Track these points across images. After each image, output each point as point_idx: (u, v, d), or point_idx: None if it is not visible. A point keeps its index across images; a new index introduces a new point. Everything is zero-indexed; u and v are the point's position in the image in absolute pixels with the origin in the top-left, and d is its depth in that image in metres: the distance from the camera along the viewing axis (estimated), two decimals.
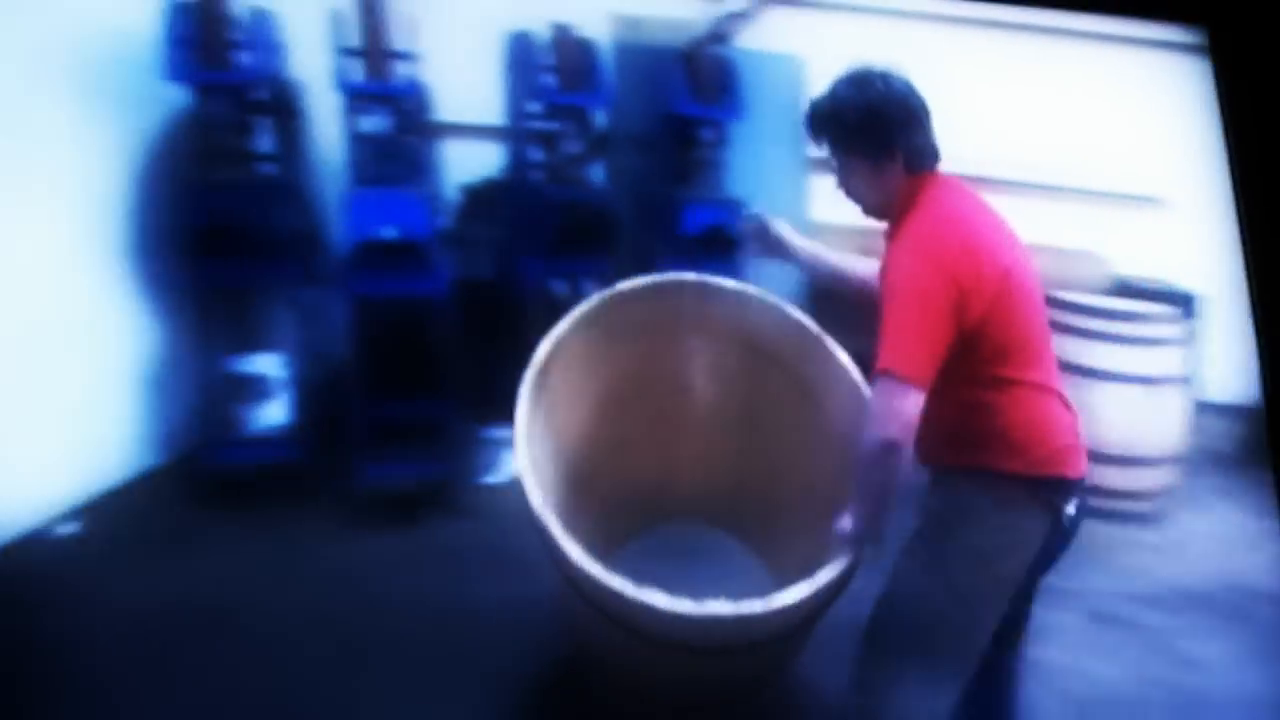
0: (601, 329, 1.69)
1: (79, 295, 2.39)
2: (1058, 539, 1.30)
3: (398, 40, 2.53)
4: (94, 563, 2.19)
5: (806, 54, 2.88)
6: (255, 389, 2.46)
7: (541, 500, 1.41)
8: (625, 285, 1.67)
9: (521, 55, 2.71)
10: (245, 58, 2.48)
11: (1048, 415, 1.31)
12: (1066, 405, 1.35)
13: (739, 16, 2.45)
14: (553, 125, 2.69)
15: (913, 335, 1.22)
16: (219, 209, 2.42)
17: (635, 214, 2.75)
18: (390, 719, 1.70)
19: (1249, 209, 1.52)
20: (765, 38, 2.72)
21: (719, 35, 2.57)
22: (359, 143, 2.52)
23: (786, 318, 1.70)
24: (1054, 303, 2.88)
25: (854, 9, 2.94)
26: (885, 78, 1.30)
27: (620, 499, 1.87)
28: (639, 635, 1.36)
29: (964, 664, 1.28)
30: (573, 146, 2.65)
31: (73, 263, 2.39)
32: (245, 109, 2.52)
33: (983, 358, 1.28)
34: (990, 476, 1.28)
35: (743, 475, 1.89)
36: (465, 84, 2.79)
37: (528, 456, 1.48)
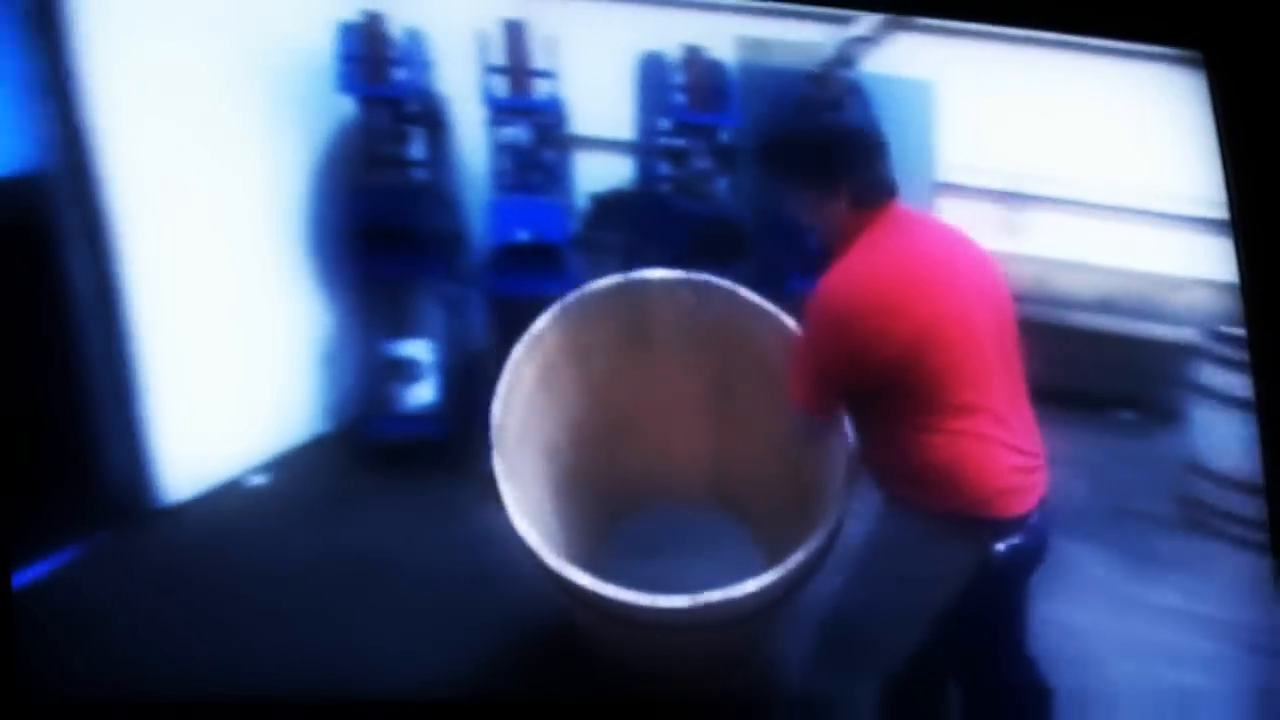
0: (583, 321, 1.80)
1: (268, 281, 2.78)
2: (995, 572, 1.32)
3: (539, 59, 2.79)
4: (277, 511, 2.59)
5: (936, 79, 2.93)
6: (407, 371, 2.79)
7: (514, 502, 1.60)
8: (599, 283, 1.79)
9: (653, 75, 2.90)
10: (401, 74, 2.79)
11: (981, 461, 1.28)
12: (1015, 448, 1.31)
13: (865, 41, 2.52)
14: (681, 142, 2.88)
15: (805, 376, 1.34)
16: (377, 209, 2.76)
17: (763, 230, 2.86)
18: (517, 662, 1.99)
19: (1245, 223, 1.52)
20: (894, 63, 2.78)
21: (845, 59, 2.65)
22: (501, 153, 2.80)
23: (763, 310, 1.77)
24: (1228, 339, 2.77)
25: (987, 36, 2.89)
26: (837, 109, 1.36)
27: (613, 483, 2.00)
28: (608, 617, 1.50)
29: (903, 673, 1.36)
30: (701, 162, 2.83)
31: (262, 252, 2.77)
32: (400, 119, 2.84)
33: (904, 404, 1.27)
34: (921, 514, 1.32)
35: (728, 458, 2.01)
36: (600, 100, 3.00)
37: (503, 448, 1.66)
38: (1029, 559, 1.35)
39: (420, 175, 2.88)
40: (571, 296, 1.78)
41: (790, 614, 1.68)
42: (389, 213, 2.72)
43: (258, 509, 2.58)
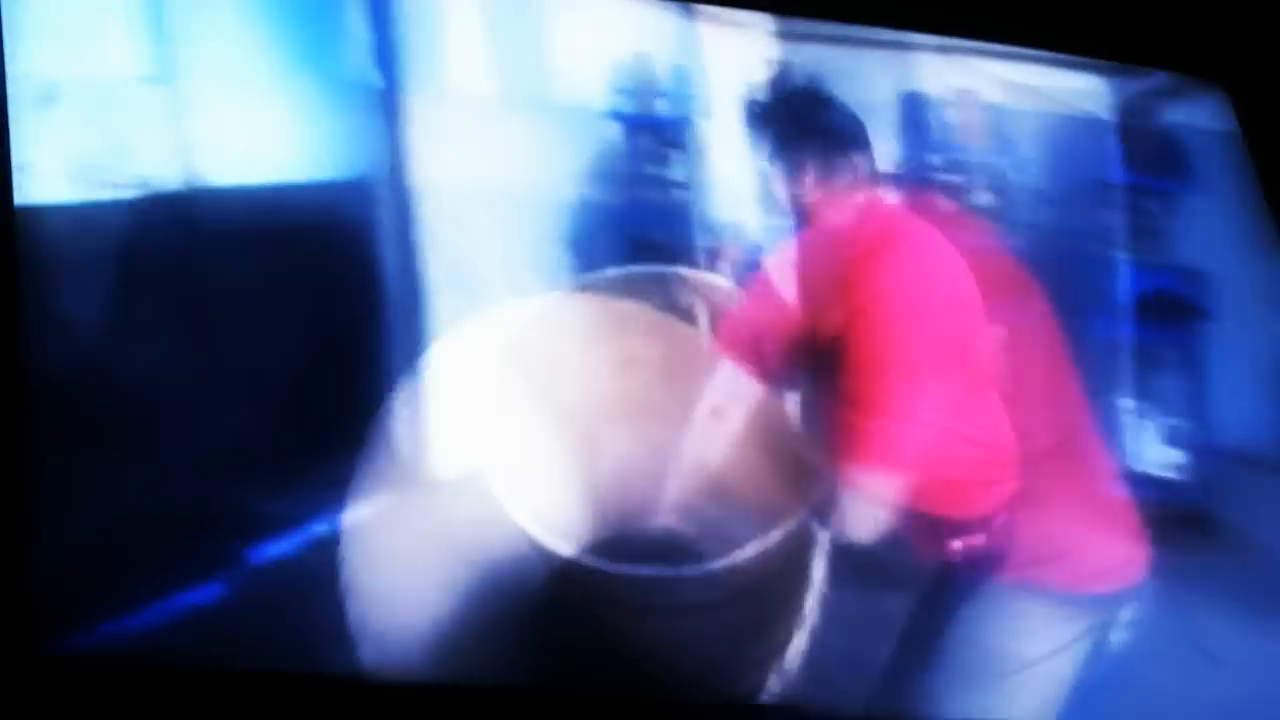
0: (557, 317, 1.81)
1: (534, 286, 3.05)
2: (953, 577, 1.28)
3: None
4: None
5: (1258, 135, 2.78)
6: None
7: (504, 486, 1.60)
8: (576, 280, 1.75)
9: (916, 113, 2.98)
10: (664, 105, 3.06)
11: (923, 450, 1.28)
12: (966, 442, 1.30)
13: (1160, 93, 2.48)
14: (955, 178, 2.93)
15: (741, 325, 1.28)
16: (635, 223, 2.99)
17: (1056, 271, 2.85)
18: None
19: None
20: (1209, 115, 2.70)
21: (1140, 110, 2.61)
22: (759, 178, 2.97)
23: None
24: None
25: None
26: (822, 103, 1.33)
27: (600, 491, 2.02)
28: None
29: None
30: (981, 198, 2.88)
31: (531, 260, 3.05)
32: (662, 144, 3.10)
33: (843, 385, 1.28)
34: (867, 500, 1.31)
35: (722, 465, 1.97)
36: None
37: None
38: (989, 561, 1.31)
39: (677, 195, 3.11)
40: (546, 296, 1.78)
41: (759, 616, 1.65)
42: (647, 227, 2.96)
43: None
